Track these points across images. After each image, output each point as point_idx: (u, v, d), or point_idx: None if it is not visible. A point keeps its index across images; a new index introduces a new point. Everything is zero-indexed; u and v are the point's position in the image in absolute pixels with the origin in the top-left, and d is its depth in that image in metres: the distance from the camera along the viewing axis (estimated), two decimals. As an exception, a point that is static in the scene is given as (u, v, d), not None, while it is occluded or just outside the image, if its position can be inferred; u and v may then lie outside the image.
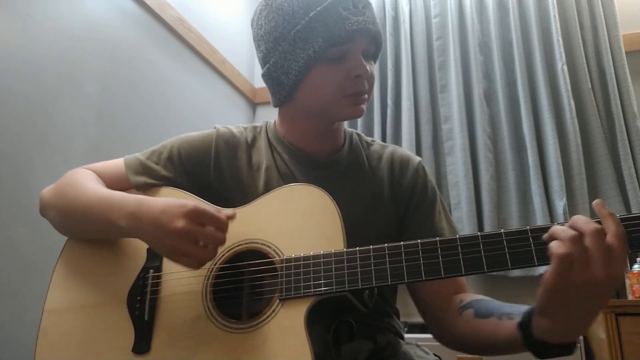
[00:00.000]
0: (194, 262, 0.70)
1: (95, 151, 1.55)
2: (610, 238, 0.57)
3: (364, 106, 0.86)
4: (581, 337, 1.72)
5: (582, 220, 0.59)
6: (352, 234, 0.74)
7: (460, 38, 2.39)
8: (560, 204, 2.01)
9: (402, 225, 0.92)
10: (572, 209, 2.02)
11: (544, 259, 0.60)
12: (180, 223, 0.68)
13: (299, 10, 0.81)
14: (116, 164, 0.91)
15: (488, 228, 2.09)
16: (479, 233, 0.66)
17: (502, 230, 0.64)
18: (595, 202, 0.61)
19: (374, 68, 0.89)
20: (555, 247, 0.58)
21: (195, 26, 2.17)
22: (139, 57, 1.83)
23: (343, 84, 0.83)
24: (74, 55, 1.52)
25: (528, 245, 0.62)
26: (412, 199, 0.91)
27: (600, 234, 0.57)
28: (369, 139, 1.01)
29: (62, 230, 0.88)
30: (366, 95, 0.86)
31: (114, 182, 0.88)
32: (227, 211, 0.76)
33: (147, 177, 0.88)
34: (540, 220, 2.04)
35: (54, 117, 1.42)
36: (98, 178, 0.88)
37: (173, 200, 0.72)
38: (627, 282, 1.79)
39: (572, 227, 0.59)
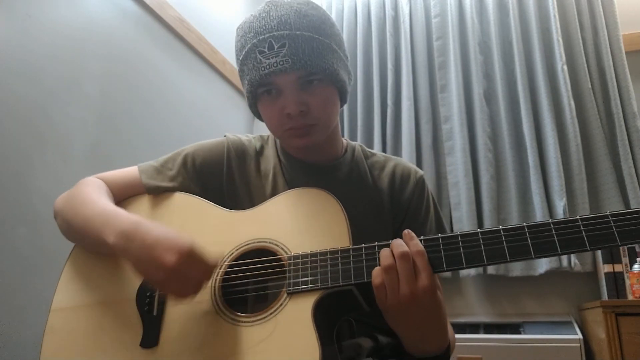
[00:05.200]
0: (171, 294, 0.73)
1: (95, 151, 1.55)
2: (413, 256, 0.66)
3: (309, 137, 0.84)
4: (581, 337, 1.71)
5: (395, 245, 0.68)
6: (353, 238, 0.76)
7: (460, 38, 2.39)
8: (560, 204, 2.01)
9: (397, 234, 0.94)
10: (572, 209, 2.02)
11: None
12: (171, 259, 0.66)
13: (237, 51, 0.86)
14: (129, 171, 0.94)
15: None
16: (479, 230, 0.70)
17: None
18: (404, 232, 0.69)
19: (321, 94, 0.83)
20: (373, 277, 0.67)
21: (195, 26, 2.17)
22: (139, 57, 1.83)
23: (280, 119, 0.83)
24: (73, 55, 1.52)
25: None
26: (408, 209, 0.94)
27: (405, 256, 0.66)
28: (372, 150, 1.03)
29: (67, 237, 0.88)
30: (306, 129, 0.83)
31: (126, 189, 0.91)
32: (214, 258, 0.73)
33: (160, 181, 0.91)
34: (540, 219, 2.03)
35: (53, 117, 1.42)
36: (107, 190, 0.89)
37: (171, 232, 0.70)
38: (627, 282, 1.79)
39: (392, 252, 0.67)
